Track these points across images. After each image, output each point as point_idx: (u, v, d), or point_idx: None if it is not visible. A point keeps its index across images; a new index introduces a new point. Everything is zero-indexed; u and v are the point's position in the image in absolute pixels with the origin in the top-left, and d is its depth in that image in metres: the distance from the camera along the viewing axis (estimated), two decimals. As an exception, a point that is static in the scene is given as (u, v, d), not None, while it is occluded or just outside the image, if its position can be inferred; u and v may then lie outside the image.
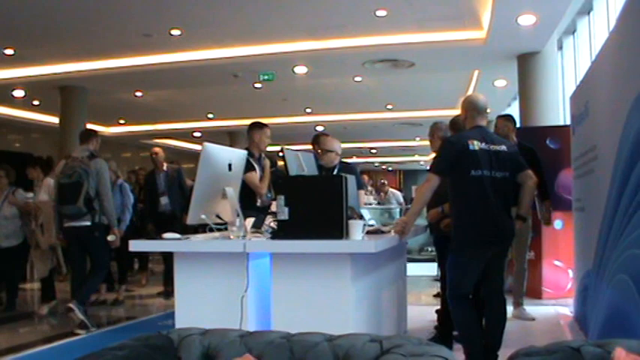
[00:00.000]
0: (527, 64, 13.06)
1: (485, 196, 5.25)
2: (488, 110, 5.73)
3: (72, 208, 7.97)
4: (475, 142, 5.28)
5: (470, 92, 17.42)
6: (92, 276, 8.40)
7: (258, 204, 7.18)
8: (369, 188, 14.47)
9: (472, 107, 5.59)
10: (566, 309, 8.08)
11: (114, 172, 9.79)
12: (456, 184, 5.40)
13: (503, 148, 5.42)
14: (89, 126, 17.48)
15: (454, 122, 6.51)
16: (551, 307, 7.72)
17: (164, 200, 10.66)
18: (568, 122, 8.74)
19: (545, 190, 7.78)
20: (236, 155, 5.22)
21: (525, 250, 8.04)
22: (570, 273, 8.60)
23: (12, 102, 18.50)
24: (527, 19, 10.79)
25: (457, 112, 6.20)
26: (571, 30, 12.74)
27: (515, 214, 5.60)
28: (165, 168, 10.91)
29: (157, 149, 11.21)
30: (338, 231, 4.35)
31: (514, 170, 5.47)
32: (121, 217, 9.43)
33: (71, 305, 7.84)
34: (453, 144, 5.43)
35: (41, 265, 9.61)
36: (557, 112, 12.63)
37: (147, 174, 11.71)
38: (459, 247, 5.40)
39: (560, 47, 13.50)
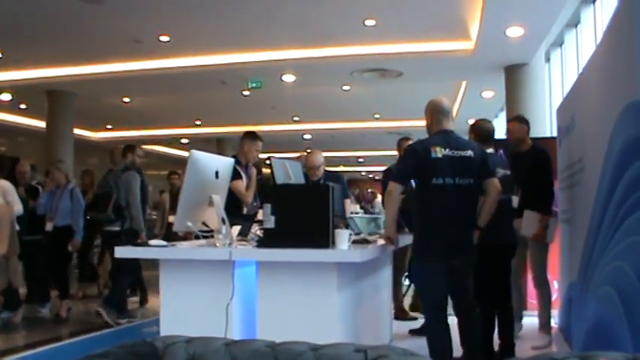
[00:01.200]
0: (514, 76, 13.12)
1: (446, 205, 5.16)
2: (454, 114, 5.65)
3: (102, 215, 8.92)
4: (438, 149, 5.16)
5: (457, 103, 17.49)
6: (117, 280, 9.07)
7: (245, 212, 7.19)
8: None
9: (437, 110, 5.48)
10: (550, 320, 8.09)
11: (64, 174, 9.51)
12: (419, 191, 5.32)
13: (470, 153, 5.27)
14: (76, 131, 17.48)
15: (476, 127, 6.47)
16: (536, 318, 7.70)
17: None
18: (555, 134, 8.77)
19: (542, 201, 7.01)
20: (223, 163, 5.22)
21: (540, 267, 7.25)
22: (555, 284, 8.61)
23: (-2, 105, 18.46)
24: (515, 31, 10.84)
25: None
26: (558, 42, 12.81)
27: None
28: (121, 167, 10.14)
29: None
30: (324, 240, 4.35)
31: (480, 177, 5.32)
32: (73, 226, 9.30)
33: (99, 309, 8.64)
34: (414, 151, 5.32)
35: None
36: (544, 123, 12.67)
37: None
38: (418, 257, 5.38)
39: (548, 59, 13.57)
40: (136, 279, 10.26)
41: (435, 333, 5.37)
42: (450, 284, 5.38)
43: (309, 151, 8.60)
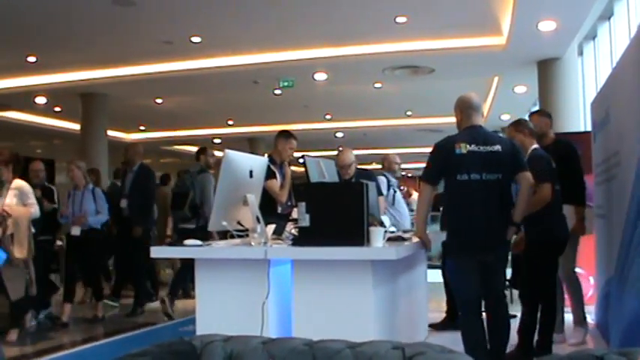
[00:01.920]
0: (547, 70, 13.01)
1: (473, 201, 5.14)
2: (486, 110, 5.62)
3: (180, 213, 9.61)
4: (463, 145, 5.14)
5: (490, 98, 17.39)
6: (182, 272, 9.59)
7: (279, 211, 7.20)
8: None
9: (466, 106, 5.45)
10: (587, 316, 8.02)
11: (83, 175, 9.27)
12: (447, 189, 5.33)
13: (497, 148, 5.22)
14: (110, 132, 17.60)
15: (518, 123, 6.45)
16: (569, 314, 7.63)
17: (123, 203, 9.74)
18: (589, 128, 8.70)
19: (574, 193, 6.75)
20: (257, 162, 5.24)
21: (571, 261, 7.03)
22: (591, 280, 8.54)
23: (34, 109, 18.60)
24: (547, 25, 10.75)
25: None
26: (591, 35, 12.68)
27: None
28: (136, 167, 9.95)
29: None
30: (359, 238, 4.36)
31: (510, 171, 5.27)
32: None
33: (165, 298, 9.29)
34: (438, 149, 5.33)
35: (14, 284, 7.92)
36: (577, 118, 12.56)
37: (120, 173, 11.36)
38: (450, 253, 5.37)
39: (581, 53, 13.45)
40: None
41: (469, 329, 5.36)
42: (481, 280, 5.37)
43: (340, 149, 8.65)
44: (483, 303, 5.52)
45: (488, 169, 5.14)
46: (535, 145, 6.23)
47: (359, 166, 7.85)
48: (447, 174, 5.24)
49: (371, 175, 7.95)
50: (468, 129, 5.35)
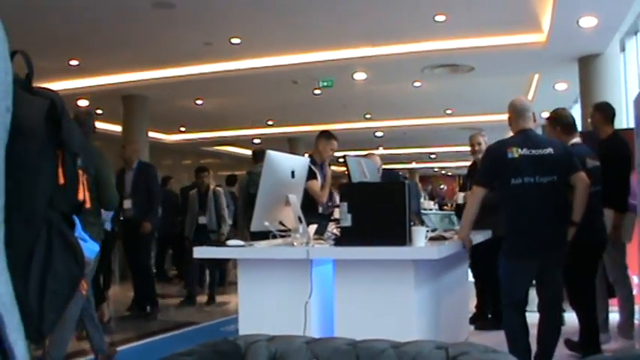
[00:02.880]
0: (588, 67, 12.89)
1: (528, 204, 5.19)
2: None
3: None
4: (514, 149, 5.21)
5: (530, 96, 17.27)
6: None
7: (320, 211, 7.22)
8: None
9: (516, 111, 5.53)
10: (632, 317, 7.92)
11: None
12: (501, 193, 5.36)
13: (549, 151, 5.27)
14: (151, 134, 17.75)
15: (559, 117, 6.41)
16: (617, 314, 7.55)
17: (127, 204, 9.49)
18: (632, 125, 8.59)
19: (613, 196, 6.49)
20: (299, 162, 5.27)
21: (615, 268, 6.81)
22: (636, 279, 8.45)
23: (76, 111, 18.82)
24: (588, 21, 10.65)
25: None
26: (633, 31, 12.54)
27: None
28: (135, 165, 9.74)
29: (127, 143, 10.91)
30: (401, 237, 4.36)
31: (564, 173, 5.32)
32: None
33: None
34: (490, 153, 5.43)
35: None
36: (620, 114, 12.39)
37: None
38: (506, 255, 5.37)
39: (623, 49, 13.30)
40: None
41: (515, 330, 5.38)
42: (537, 281, 5.40)
43: (367, 154, 8.65)
44: (537, 304, 5.53)
45: (542, 172, 5.19)
46: (574, 140, 6.17)
47: (384, 167, 7.87)
48: (500, 178, 5.27)
49: (397, 175, 7.97)
50: (519, 133, 5.43)
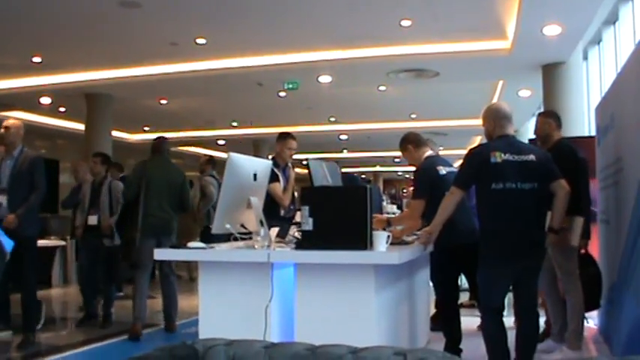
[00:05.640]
0: (552, 75, 13.03)
1: (509, 209, 5.17)
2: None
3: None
4: (498, 154, 5.20)
5: (494, 102, 17.39)
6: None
7: (282, 214, 7.21)
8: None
9: (499, 116, 5.49)
10: (590, 322, 8.01)
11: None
12: (480, 196, 5.38)
13: (532, 157, 5.28)
14: (114, 133, 17.64)
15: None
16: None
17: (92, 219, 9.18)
18: (593, 133, 8.69)
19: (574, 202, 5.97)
20: (261, 165, 5.25)
21: (567, 272, 6.61)
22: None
23: (39, 109, 18.62)
24: (552, 30, 10.76)
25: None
26: (596, 40, 12.69)
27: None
28: (16, 152, 7.75)
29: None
30: (362, 242, 4.36)
31: (545, 180, 5.33)
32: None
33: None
34: (474, 156, 5.41)
35: None
36: (582, 122, 12.56)
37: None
38: (484, 260, 5.37)
39: (586, 57, 13.45)
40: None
41: (493, 335, 5.40)
42: (514, 287, 5.42)
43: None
44: (513, 310, 5.55)
45: (524, 178, 5.20)
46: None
47: (343, 170, 7.85)
48: (481, 182, 5.29)
49: (355, 178, 7.98)
50: (501, 138, 5.41)
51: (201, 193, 11.42)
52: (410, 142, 6.52)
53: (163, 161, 8.66)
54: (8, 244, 6.81)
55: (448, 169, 6.25)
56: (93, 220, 9.28)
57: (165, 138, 9.11)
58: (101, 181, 9.45)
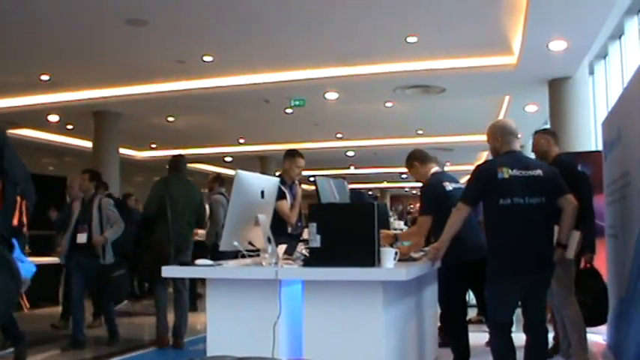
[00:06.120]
0: (558, 90, 13.03)
1: (516, 225, 5.15)
2: (519, 135, 5.65)
3: None
4: (505, 170, 5.19)
5: (501, 117, 17.40)
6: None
7: (289, 231, 7.21)
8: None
9: (505, 132, 5.48)
10: (599, 337, 7.98)
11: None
12: (488, 212, 5.36)
13: (539, 172, 5.27)
14: (121, 150, 17.69)
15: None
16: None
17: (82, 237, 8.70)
18: (600, 148, 8.69)
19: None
20: (268, 182, 5.26)
21: (563, 285, 6.56)
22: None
23: (47, 126, 18.71)
24: (558, 45, 10.77)
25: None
26: (602, 55, 12.69)
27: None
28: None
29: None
30: (370, 258, 4.36)
31: (552, 195, 5.33)
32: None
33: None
34: (481, 172, 5.41)
35: None
36: (589, 137, 12.56)
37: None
38: (492, 276, 5.35)
39: (592, 72, 13.45)
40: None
41: (502, 351, 5.38)
42: (523, 302, 5.40)
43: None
44: (522, 325, 5.53)
45: (531, 193, 5.18)
46: None
47: (351, 187, 7.84)
48: (488, 198, 5.28)
49: (364, 195, 7.97)
50: (508, 154, 5.41)
51: (210, 212, 11.37)
52: (416, 158, 6.55)
53: (182, 179, 8.79)
54: (27, 271, 6.80)
55: (454, 185, 6.25)
56: (82, 238, 8.71)
57: (183, 155, 9.16)
58: (91, 198, 9.00)
